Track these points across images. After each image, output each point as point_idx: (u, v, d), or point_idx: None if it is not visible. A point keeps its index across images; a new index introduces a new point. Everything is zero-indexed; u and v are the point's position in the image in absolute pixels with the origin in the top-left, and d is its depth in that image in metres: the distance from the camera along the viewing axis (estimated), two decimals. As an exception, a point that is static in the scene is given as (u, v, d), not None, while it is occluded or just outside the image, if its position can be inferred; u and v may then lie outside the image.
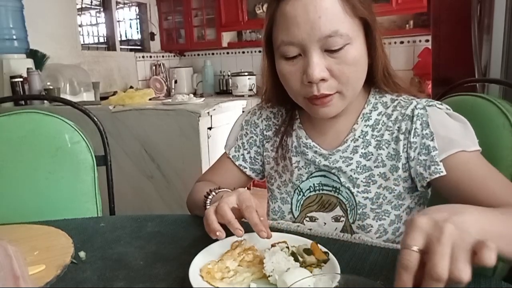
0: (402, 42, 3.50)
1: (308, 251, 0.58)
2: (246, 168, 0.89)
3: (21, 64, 2.57)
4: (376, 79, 0.76)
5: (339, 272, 0.53)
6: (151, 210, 2.21)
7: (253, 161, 0.89)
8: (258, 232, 0.59)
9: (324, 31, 0.65)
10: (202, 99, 2.47)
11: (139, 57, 4.19)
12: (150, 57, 4.32)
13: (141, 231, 0.78)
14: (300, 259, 0.57)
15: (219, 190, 0.76)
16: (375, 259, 0.61)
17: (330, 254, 0.57)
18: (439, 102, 0.74)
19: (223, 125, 2.17)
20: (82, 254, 0.67)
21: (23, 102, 2.48)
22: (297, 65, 0.70)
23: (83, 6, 3.74)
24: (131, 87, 3.80)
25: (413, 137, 0.72)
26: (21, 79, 2.49)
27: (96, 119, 1.18)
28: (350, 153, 0.76)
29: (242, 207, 0.62)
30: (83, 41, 3.74)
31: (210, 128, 2.09)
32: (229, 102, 2.32)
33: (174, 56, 4.58)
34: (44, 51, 2.76)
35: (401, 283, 0.43)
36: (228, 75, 4.12)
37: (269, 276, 0.54)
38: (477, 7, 1.83)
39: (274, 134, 0.86)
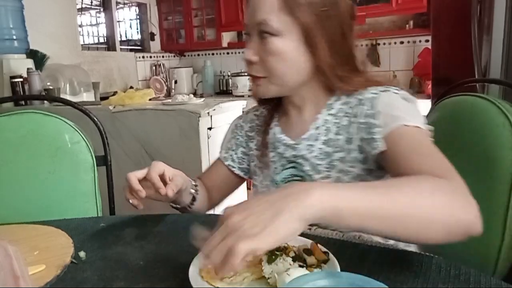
0: (402, 42, 3.50)
1: (308, 251, 0.58)
2: (235, 167, 0.95)
3: (21, 64, 2.57)
4: (329, 81, 0.77)
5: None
6: (151, 210, 2.20)
7: (240, 161, 0.95)
8: (157, 189, 0.75)
9: (258, 17, 0.73)
10: (202, 99, 2.47)
11: (139, 57, 4.19)
12: (150, 57, 4.32)
13: (141, 231, 0.79)
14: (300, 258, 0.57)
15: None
16: (375, 259, 0.61)
17: (330, 254, 0.57)
18: (397, 88, 0.75)
19: (223, 125, 2.17)
20: (82, 254, 0.67)
21: (23, 102, 2.48)
22: None
23: (83, 6, 3.73)
24: (131, 87, 3.79)
25: (361, 119, 0.74)
26: (21, 79, 2.49)
27: (96, 119, 1.18)
28: (313, 141, 0.79)
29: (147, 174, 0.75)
30: (83, 41, 3.74)
31: (210, 128, 2.09)
32: (229, 102, 2.32)
33: (174, 56, 4.58)
34: (44, 51, 2.75)
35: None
36: (228, 75, 4.12)
37: (268, 278, 0.54)
38: (477, 7, 1.83)
39: (257, 134, 0.91)
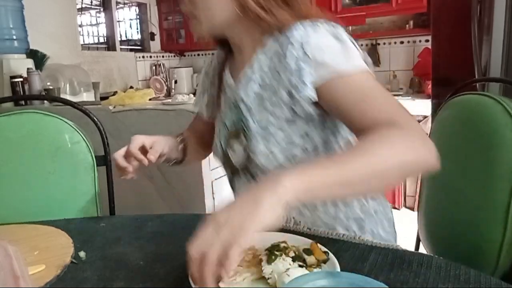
0: (402, 42, 3.50)
1: (308, 251, 0.58)
2: (204, 114, 0.98)
3: (21, 64, 2.56)
4: (254, 14, 0.75)
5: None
6: (151, 210, 2.20)
7: (206, 107, 0.98)
8: (140, 162, 0.83)
9: None
10: (202, 99, 2.46)
11: (139, 57, 4.19)
12: (150, 57, 4.31)
13: (141, 231, 0.79)
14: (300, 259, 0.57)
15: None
16: (375, 259, 0.61)
17: (330, 254, 0.58)
18: (323, 21, 0.72)
19: (223, 125, 2.17)
20: (82, 254, 0.67)
21: (23, 102, 2.47)
22: None
23: (83, 6, 3.73)
24: (131, 87, 3.79)
25: (291, 61, 0.71)
26: (21, 79, 2.48)
27: (96, 119, 1.18)
28: (248, 81, 0.79)
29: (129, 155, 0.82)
30: (83, 41, 3.73)
31: (210, 128, 2.08)
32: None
33: (174, 56, 4.58)
34: (44, 51, 2.75)
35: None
36: (228, 75, 4.11)
37: (268, 278, 0.54)
38: (477, 7, 1.83)
39: (216, 78, 0.92)
